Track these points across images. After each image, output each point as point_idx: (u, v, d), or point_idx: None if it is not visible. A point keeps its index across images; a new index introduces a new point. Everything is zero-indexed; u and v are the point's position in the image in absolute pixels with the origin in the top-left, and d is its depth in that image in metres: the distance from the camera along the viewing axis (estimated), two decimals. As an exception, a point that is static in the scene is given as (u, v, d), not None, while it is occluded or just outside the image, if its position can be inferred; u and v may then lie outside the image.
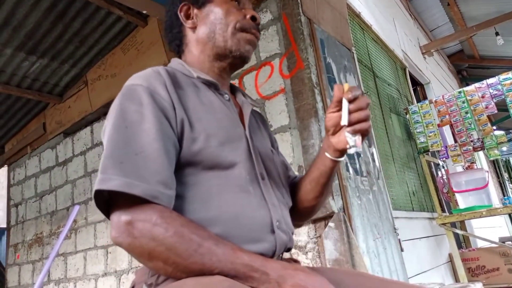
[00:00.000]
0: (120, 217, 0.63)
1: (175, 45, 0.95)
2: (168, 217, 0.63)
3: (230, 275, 0.62)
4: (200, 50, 0.89)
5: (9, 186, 4.63)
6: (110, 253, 3.21)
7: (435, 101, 3.25)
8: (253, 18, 0.89)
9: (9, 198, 4.59)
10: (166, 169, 0.66)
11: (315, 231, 2.01)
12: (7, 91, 3.65)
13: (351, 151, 0.78)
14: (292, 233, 0.88)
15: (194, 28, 0.90)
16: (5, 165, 4.78)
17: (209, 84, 0.85)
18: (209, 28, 0.88)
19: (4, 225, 4.82)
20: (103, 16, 3.05)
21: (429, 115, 3.25)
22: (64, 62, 3.49)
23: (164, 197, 0.64)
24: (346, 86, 0.76)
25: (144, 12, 2.74)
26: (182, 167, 0.72)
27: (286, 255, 0.91)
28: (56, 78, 3.71)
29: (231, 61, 0.88)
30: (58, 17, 2.95)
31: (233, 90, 0.97)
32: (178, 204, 0.71)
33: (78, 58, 3.48)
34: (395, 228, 2.42)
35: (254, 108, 0.96)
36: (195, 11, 0.91)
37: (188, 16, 0.92)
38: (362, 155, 2.36)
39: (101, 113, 3.63)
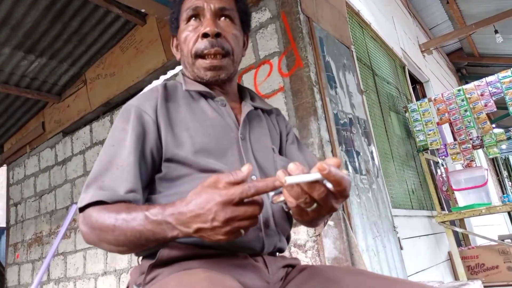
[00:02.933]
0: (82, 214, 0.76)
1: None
2: (103, 209, 0.72)
3: (151, 234, 0.67)
4: (187, 72, 0.95)
5: (8, 185, 4.63)
6: (109, 252, 3.21)
7: (434, 99, 3.25)
8: (205, 35, 0.86)
9: (8, 198, 4.59)
10: (133, 178, 0.77)
11: (315, 230, 2.01)
12: (5, 90, 3.64)
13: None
14: (285, 235, 0.89)
15: (179, 57, 0.97)
16: (4, 165, 4.78)
17: (202, 94, 0.91)
18: (181, 56, 0.95)
19: (3, 225, 4.81)
20: (102, 14, 3.04)
21: (428, 113, 3.25)
22: (62, 61, 3.48)
23: (126, 198, 0.74)
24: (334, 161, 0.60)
25: (143, 10, 2.73)
26: (174, 167, 0.81)
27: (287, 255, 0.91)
28: (55, 77, 3.70)
29: (206, 83, 0.91)
30: (57, 16, 2.95)
31: (243, 94, 1.00)
32: (166, 196, 0.80)
33: (77, 57, 3.48)
34: (394, 226, 2.42)
35: (261, 107, 0.99)
36: (177, 40, 0.97)
37: (177, 46, 0.98)
38: (361, 154, 2.36)
39: (100, 112, 3.62)
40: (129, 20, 3.10)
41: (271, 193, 0.62)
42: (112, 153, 0.79)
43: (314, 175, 0.56)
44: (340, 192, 0.59)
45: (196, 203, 0.62)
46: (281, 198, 0.62)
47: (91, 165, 3.53)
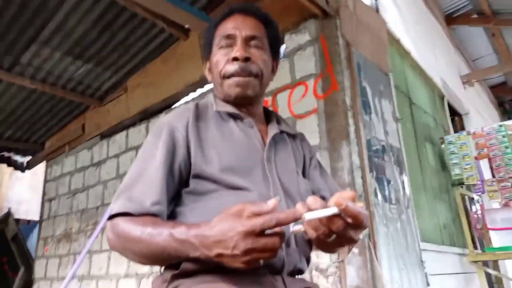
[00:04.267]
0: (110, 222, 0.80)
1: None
2: (130, 220, 0.76)
3: (173, 251, 0.70)
4: (217, 93, 1.01)
5: (45, 181, 4.85)
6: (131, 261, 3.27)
7: (474, 133, 3.14)
8: (235, 59, 0.92)
9: (44, 193, 4.80)
10: (159, 191, 0.81)
11: (338, 255, 1.97)
12: (52, 91, 3.86)
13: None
14: (306, 256, 0.90)
15: (211, 79, 1.02)
16: (44, 161, 5.02)
17: (231, 115, 0.95)
18: (212, 79, 1.00)
19: (37, 218, 5.02)
20: (148, 27, 3.19)
21: (466, 146, 3.14)
22: (107, 68, 3.66)
23: (151, 211, 0.78)
24: (350, 194, 0.63)
25: (187, 26, 2.84)
26: (202, 183, 0.85)
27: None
28: (98, 83, 3.89)
29: (234, 102, 0.96)
30: (106, 26, 3.12)
31: (270, 117, 1.04)
32: (193, 209, 0.84)
33: (121, 65, 3.65)
34: (422, 261, 2.33)
35: (287, 131, 1.02)
36: (209, 64, 1.02)
37: (210, 69, 1.02)
38: (392, 182, 2.31)
39: (137, 119, 3.75)
40: (172, 34, 3.23)
41: (292, 224, 0.64)
42: (142, 167, 0.84)
43: (332, 210, 0.59)
44: (358, 226, 0.62)
45: (219, 229, 0.65)
46: (302, 229, 0.65)
47: (124, 168, 3.65)
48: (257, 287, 0.76)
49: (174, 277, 0.79)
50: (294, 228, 0.66)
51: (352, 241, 0.65)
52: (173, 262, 0.74)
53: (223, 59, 0.94)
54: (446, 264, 2.83)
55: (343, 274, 1.91)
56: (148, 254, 0.73)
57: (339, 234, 0.62)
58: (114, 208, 0.79)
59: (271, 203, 0.64)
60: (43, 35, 3.15)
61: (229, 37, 0.95)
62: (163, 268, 0.88)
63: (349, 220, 0.61)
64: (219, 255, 0.64)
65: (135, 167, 0.86)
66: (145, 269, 3.12)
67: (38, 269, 4.47)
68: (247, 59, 0.92)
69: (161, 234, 0.71)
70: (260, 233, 0.61)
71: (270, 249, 0.62)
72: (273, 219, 0.61)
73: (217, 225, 0.65)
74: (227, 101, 0.97)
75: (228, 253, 0.63)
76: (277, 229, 0.62)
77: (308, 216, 0.60)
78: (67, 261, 4.04)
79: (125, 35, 3.24)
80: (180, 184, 0.86)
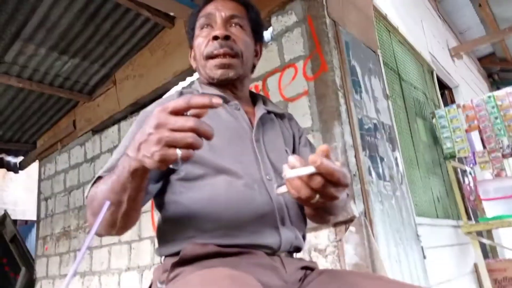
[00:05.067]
0: None
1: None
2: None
3: (116, 180, 0.69)
4: (200, 75, 1.02)
5: (40, 180, 4.82)
6: (133, 248, 3.29)
7: (463, 106, 3.17)
8: (215, 37, 0.93)
9: (39, 192, 4.78)
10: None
11: (336, 235, 2.00)
12: (40, 89, 3.80)
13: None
14: (301, 233, 0.92)
15: (195, 66, 1.03)
16: (37, 160, 4.98)
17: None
18: (196, 62, 1.01)
19: (34, 218, 5.01)
20: (132, 17, 3.14)
21: (457, 120, 3.17)
22: (94, 62, 3.61)
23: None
24: (323, 148, 0.64)
25: (171, 13, 2.80)
26: (191, 167, 0.85)
27: (305, 257, 0.93)
28: (86, 77, 3.84)
29: (218, 83, 0.97)
30: (90, 19, 3.06)
31: (256, 99, 1.05)
32: (187, 197, 0.84)
33: (108, 58, 3.59)
34: (418, 235, 2.37)
35: (274, 111, 1.03)
36: (193, 51, 1.02)
37: (194, 57, 1.03)
38: (385, 159, 2.33)
39: (128, 112, 3.72)
40: (158, 23, 3.18)
41: (276, 185, 0.65)
42: (119, 151, 0.86)
43: (309, 169, 0.61)
44: (336, 183, 0.62)
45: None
46: (284, 189, 0.66)
47: (118, 163, 3.63)
48: (255, 269, 0.78)
49: (174, 265, 0.81)
50: (279, 189, 0.67)
51: (334, 198, 0.66)
52: (127, 206, 0.71)
53: (204, 40, 0.95)
54: (442, 237, 2.89)
55: (341, 252, 1.94)
56: (111, 197, 0.69)
57: (321, 192, 0.63)
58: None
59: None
60: (26, 31, 3.09)
61: (209, 17, 0.96)
62: (163, 258, 0.89)
63: (327, 177, 0.62)
64: (140, 146, 0.60)
65: (116, 154, 0.87)
66: (146, 261, 3.15)
67: (40, 268, 4.48)
68: (227, 37, 0.93)
69: (111, 175, 0.71)
70: (174, 113, 0.58)
71: (182, 127, 0.57)
72: (186, 97, 0.58)
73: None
74: (211, 84, 0.98)
75: (144, 138, 0.59)
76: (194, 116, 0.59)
77: (288, 174, 0.62)
78: (68, 259, 4.05)
79: (110, 26, 3.18)
80: (163, 172, 0.85)
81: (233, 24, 0.96)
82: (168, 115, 0.58)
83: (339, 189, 0.64)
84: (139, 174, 0.66)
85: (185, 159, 0.58)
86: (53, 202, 4.46)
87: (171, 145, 0.57)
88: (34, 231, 5.01)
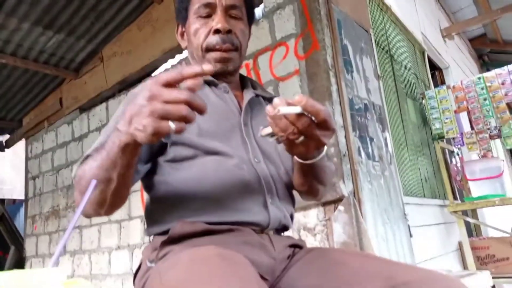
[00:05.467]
0: None
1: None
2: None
3: (106, 156, 0.67)
4: (193, 61, 1.00)
5: (27, 159, 4.75)
6: (123, 227, 3.29)
7: (453, 87, 3.18)
8: (217, 31, 0.91)
9: (26, 171, 4.72)
10: None
11: (325, 214, 2.02)
12: (24, 65, 3.70)
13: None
14: (289, 212, 0.93)
15: (186, 46, 1.01)
16: (23, 139, 4.90)
17: (206, 82, 0.94)
18: (189, 47, 0.99)
19: (22, 197, 4.97)
20: (119, -9, 3.04)
21: (446, 101, 3.18)
22: (80, 37, 3.51)
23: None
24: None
25: (160, -12, 2.72)
26: (179, 149, 0.84)
27: (294, 235, 0.94)
28: (72, 54, 3.74)
29: (214, 73, 0.94)
30: (74, -8, 2.96)
31: (245, 83, 1.04)
32: (176, 177, 0.84)
33: (94, 34, 3.49)
34: (405, 214, 2.41)
35: (262, 95, 1.04)
36: (184, 29, 1.00)
37: (182, 34, 1.02)
38: (375, 140, 2.34)
39: (116, 90, 3.66)
40: (146, -2, 3.10)
41: (261, 127, 0.67)
42: (107, 132, 0.82)
43: (295, 108, 0.62)
44: (322, 123, 0.64)
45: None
46: (269, 130, 0.66)
47: (106, 142, 3.59)
48: (244, 247, 0.78)
49: (164, 244, 0.81)
50: (264, 130, 0.67)
51: (320, 143, 0.67)
52: (116, 182, 0.69)
53: (203, 30, 0.93)
54: (428, 216, 2.95)
55: (330, 231, 1.97)
56: (100, 174, 0.68)
57: (307, 134, 0.64)
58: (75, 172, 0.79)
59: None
60: (8, 5, 2.97)
61: (209, 5, 0.92)
62: (152, 236, 0.89)
63: (313, 117, 0.63)
64: (131, 119, 0.59)
65: (104, 133, 0.83)
66: (137, 239, 3.16)
67: (29, 247, 4.48)
68: (228, 32, 0.92)
69: (100, 152, 0.69)
70: (167, 85, 0.57)
71: (175, 99, 0.56)
72: (178, 71, 0.57)
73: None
74: None
75: (136, 110, 0.58)
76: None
77: (282, 110, 0.62)
78: (57, 238, 4.05)
79: (96, 1, 3.08)
80: (152, 152, 0.85)
81: (233, 15, 0.95)
82: (161, 87, 0.57)
83: (326, 134, 0.66)
84: (130, 149, 0.64)
85: (178, 132, 0.57)
86: (41, 181, 4.42)
87: (164, 117, 0.56)
88: (22, 210, 4.98)
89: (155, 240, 0.86)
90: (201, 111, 0.58)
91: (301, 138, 0.65)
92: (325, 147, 0.76)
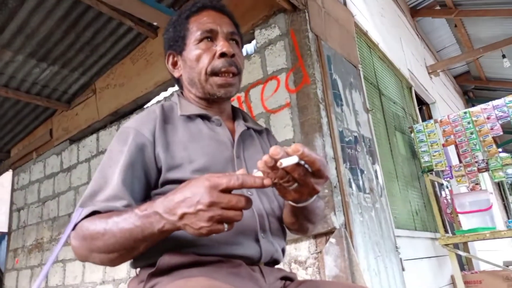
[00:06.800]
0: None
1: (177, 85, 1.06)
2: (95, 217, 0.73)
3: (139, 231, 0.67)
4: (188, 90, 0.99)
5: (13, 190, 4.65)
6: (102, 265, 3.19)
7: (440, 121, 3.25)
8: (223, 55, 0.92)
9: (11, 203, 4.61)
10: (125, 195, 0.78)
11: (316, 247, 2.00)
12: (16, 96, 3.70)
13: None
14: (281, 247, 0.91)
15: (180, 75, 1.00)
16: (10, 170, 4.82)
17: (199, 115, 0.95)
18: (188, 74, 0.97)
19: (5, 230, 4.82)
20: (115, 26, 3.11)
21: (434, 134, 3.25)
22: (74, 70, 3.55)
23: (117, 206, 0.75)
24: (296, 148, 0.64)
25: (155, 24, 2.80)
26: (173, 186, 0.81)
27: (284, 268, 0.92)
28: (65, 85, 3.77)
29: (214, 100, 0.96)
30: (71, 26, 3.02)
31: (236, 114, 1.05)
32: None
33: (88, 66, 3.54)
34: (396, 247, 2.39)
35: (253, 127, 1.04)
36: (178, 57, 1.00)
37: (174, 64, 1.01)
38: (365, 172, 2.36)
39: (108, 121, 3.66)
40: (141, 33, 3.17)
41: (254, 170, 0.67)
42: (109, 174, 0.81)
43: (292, 159, 0.62)
44: (317, 173, 0.65)
45: (184, 189, 0.65)
46: (260, 174, 0.66)
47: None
48: (235, 279, 0.76)
49: (151, 276, 0.78)
50: (255, 174, 0.67)
51: (314, 191, 0.68)
52: (141, 251, 0.71)
53: (207, 55, 0.93)
54: (420, 249, 2.92)
55: (321, 264, 1.93)
56: (115, 245, 0.70)
57: (301, 181, 0.65)
58: (80, 216, 0.76)
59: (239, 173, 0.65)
60: (4, 37, 3.02)
61: (211, 32, 0.94)
62: (138, 269, 0.86)
63: (307, 166, 0.64)
64: (183, 216, 0.63)
65: (100, 174, 0.83)
66: (122, 274, 3.06)
67: (9, 282, 4.29)
68: (233, 56, 0.93)
69: (126, 219, 0.69)
70: (225, 190, 0.62)
71: (234, 206, 0.61)
72: (239, 178, 0.62)
73: (182, 187, 0.65)
74: (200, 98, 0.97)
75: (192, 211, 0.62)
76: (243, 193, 0.64)
77: (285, 162, 0.62)
78: (39, 272, 3.90)
79: (91, 35, 3.15)
80: (148, 189, 0.85)
81: (232, 40, 0.97)
82: (220, 194, 0.62)
83: (319, 182, 0.67)
84: (169, 233, 0.68)
85: (229, 230, 0.63)
86: (26, 213, 4.30)
87: (221, 221, 0.62)
88: (4, 243, 4.80)
89: (142, 273, 0.83)
90: (247, 209, 0.64)
91: (295, 185, 0.66)
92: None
